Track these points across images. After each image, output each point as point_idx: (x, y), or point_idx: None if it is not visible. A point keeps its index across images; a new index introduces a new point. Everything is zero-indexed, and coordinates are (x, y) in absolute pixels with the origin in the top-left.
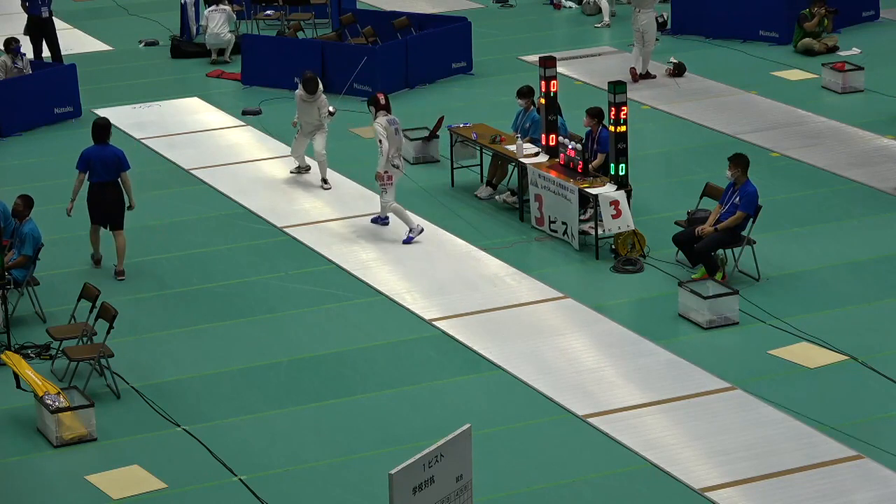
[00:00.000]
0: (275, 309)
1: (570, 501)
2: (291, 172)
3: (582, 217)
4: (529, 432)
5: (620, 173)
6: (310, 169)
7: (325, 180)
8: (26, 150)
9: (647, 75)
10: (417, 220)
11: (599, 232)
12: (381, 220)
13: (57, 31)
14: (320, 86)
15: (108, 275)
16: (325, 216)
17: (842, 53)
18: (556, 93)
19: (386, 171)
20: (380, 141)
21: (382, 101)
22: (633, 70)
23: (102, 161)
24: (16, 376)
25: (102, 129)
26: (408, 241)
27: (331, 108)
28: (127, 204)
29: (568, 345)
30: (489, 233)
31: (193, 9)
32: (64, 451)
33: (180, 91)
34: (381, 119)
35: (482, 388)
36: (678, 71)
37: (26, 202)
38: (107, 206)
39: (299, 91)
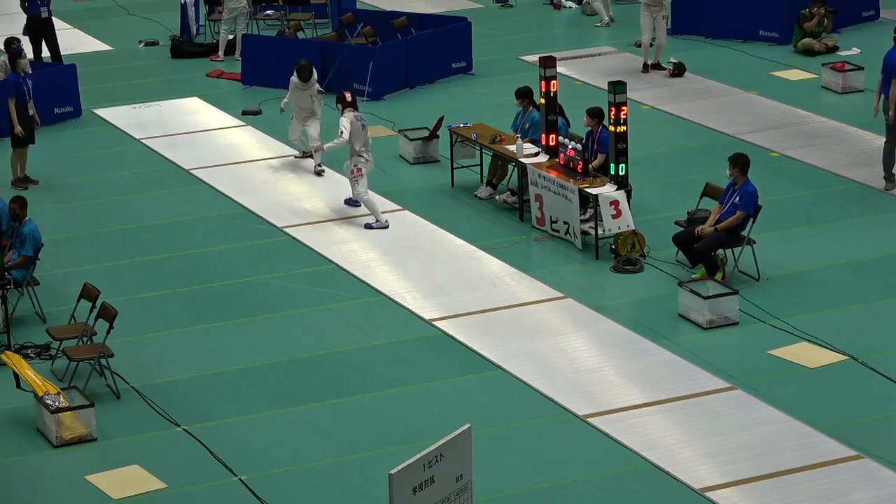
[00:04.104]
0: (275, 309)
1: (570, 501)
2: (296, 157)
3: (582, 217)
4: (529, 432)
5: (620, 173)
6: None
7: (319, 164)
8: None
9: (653, 66)
10: (386, 217)
11: (599, 232)
12: (353, 202)
13: (57, 31)
14: (314, 74)
15: (109, 275)
16: (325, 216)
17: (842, 53)
18: (556, 93)
19: (356, 165)
20: (340, 133)
21: (349, 99)
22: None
23: None
24: (16, 376)
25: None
26: (368, 226)
27: (318, 87)
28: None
29: (568, 345)
30: (489, 233)
31: (193, 9)
32: (64, 451)
33: (180, 91)
34: (349, 114)
35: (482, 388)
36: (678, 71)
37: (21, 203)
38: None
39: (294, 78)
